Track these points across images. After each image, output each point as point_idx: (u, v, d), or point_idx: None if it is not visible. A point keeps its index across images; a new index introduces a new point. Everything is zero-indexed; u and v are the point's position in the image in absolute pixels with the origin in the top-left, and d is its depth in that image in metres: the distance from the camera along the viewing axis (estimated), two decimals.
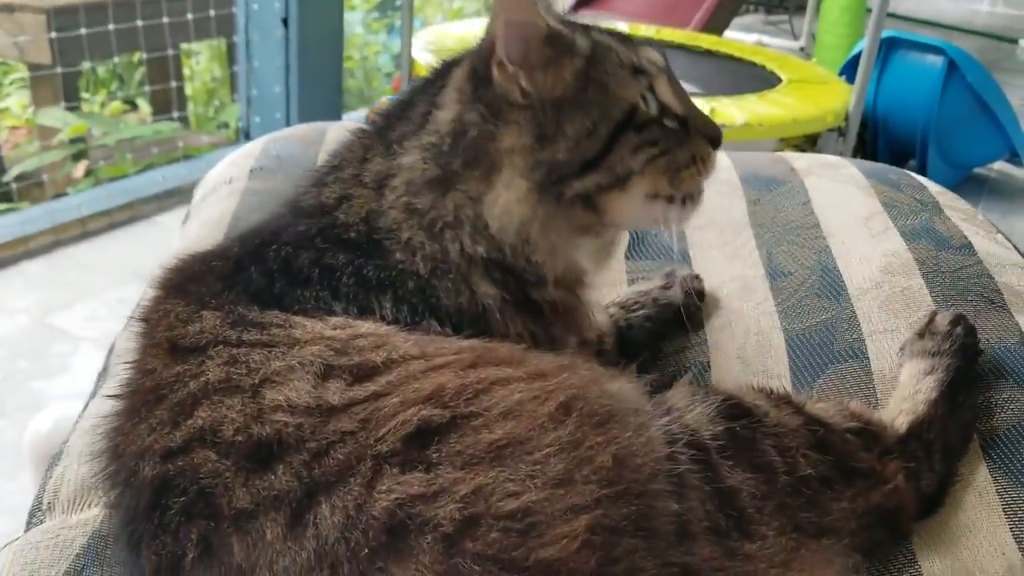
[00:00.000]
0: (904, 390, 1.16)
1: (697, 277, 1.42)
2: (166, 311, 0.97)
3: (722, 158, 1.77)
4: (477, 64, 1.07)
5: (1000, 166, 5.01)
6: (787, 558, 0.90)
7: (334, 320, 0.94)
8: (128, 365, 0.97)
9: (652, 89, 1.09)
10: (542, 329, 1.07)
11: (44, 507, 1.15)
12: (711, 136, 1.12)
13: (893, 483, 1.02)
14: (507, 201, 1.04)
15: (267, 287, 0.98)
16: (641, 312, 1.36)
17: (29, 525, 1.13)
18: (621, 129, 1.05)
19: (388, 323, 0.97)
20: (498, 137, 1.05)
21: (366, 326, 0.94)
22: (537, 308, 1.07)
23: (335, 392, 0.86)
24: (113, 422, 0.93)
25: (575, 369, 0.94)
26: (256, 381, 0.87)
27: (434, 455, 0.81)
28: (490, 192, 1.05)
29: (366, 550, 0.76)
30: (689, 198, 1.12)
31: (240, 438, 0.83)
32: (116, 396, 0.95)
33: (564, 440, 0.83)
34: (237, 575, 0.78)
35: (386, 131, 1.13)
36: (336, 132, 1.84)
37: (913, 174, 1.74)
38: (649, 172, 1.07)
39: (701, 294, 1.41)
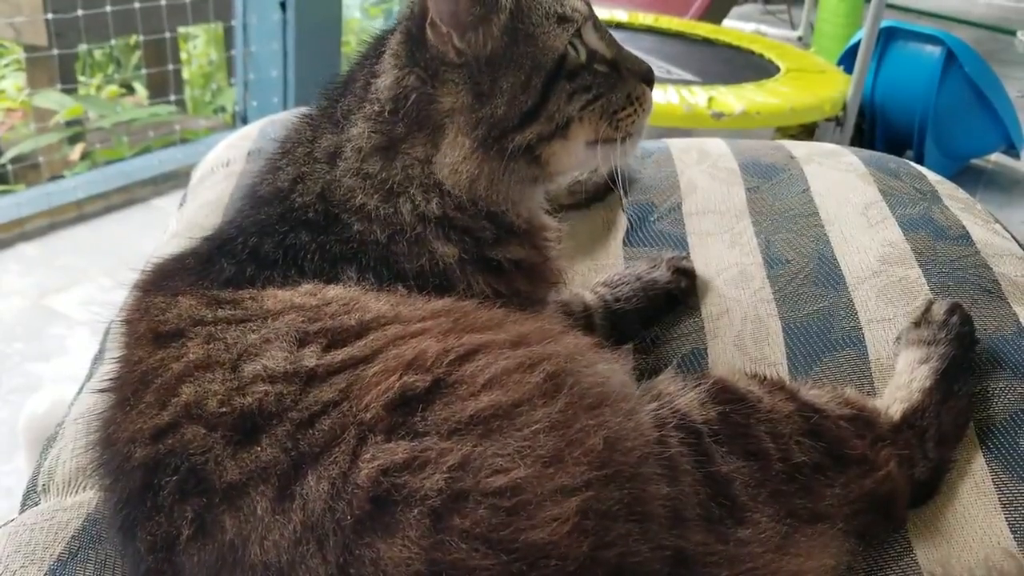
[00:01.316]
0: (900, 378, 1.16)
1: (685, 257, 1.43)
2: (146, 307, 0.99)
3: (721, 145, 1.77)
4: (411, 28, 1.09)
5: (997, 157, 5.01)
6: (781, 543, 0.91)
7: (304, 287, 0.97)
8: (115, 360, 0.98)
9: (579, 35, 1.10)
10: (506, 286, 1.09)
11: (39, 489, 1.15)
12: (643, 75, 1.14)
13: (886, 470, 1.02)
14: (454, 160, 1.06)
15: (238, 273, 1.01)
16: (626, 288, 1.36)
17: (24, 507, 1.13)
18: (553, 78, 1.07)
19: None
20: (438, 98, 1.07)
21: (335, 291, 0.97)
22: (498, 265, 1.09)
23: (311, 356, 0.87)
24: (104, 413, 0.94)
25: (558, 337, 0.96)
26: (235, 355, 0.88)
27: (419, 423, 0.82)
28: (437, 153, 1.07)
29: (351, 520, 0.76)
30: (629, 137, 1.13)
31: (224, 410, 0.84)
32: (105, 389, 0.96)
33: (554, 418, 0.83)
34: (230, 551, 0.78)
35: (331, 108, 1.15)
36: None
37: (912, 163, 1.74)
38: (587, 117, 1.09)
39: (688, 273, 1.41)
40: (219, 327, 0.91)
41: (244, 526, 0.78)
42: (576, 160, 1.12)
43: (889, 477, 1.02)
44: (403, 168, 1.07)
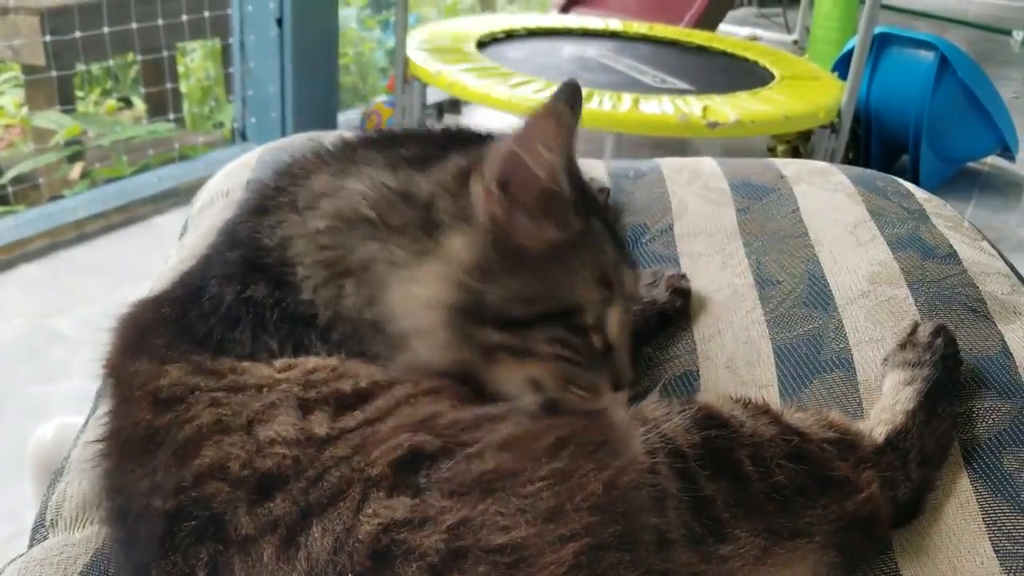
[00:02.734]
0: (884, 401, 1.18)
1: (683, 276, 1.43)
2: (134, 371, 0.97)
3: (712, 165, 1.79)
4: (468, 167, 1.02)
5: (992, 160, 5.03)
6: (760, 555, 0.93)
7: (278, 363, 0.94)
8: (111, 417, 0.98)
9: (606, 306, 1.04)
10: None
11: (47, 524, 1.16)
12: (617, 380, 1.06)
13: (868, 492, 1.04)
14: (421, 296, 0.97)
15: (207, 333, 0.98)
16: None
17: (32, 542, 1.15)
18: (553, 317, 1.00)
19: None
20: (446, 235, 0.99)
21: (313, 361, 0.94)
22: None
23: (321, 424, 0.87)
24: (110, 464, 0.95)
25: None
26: (245, 421, 0.88)
27: (423, 480, 0.82)
28: (410, 270, 0.98)
29: (351, 574, 0.78)
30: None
31: (247, 472, 0.84)
32: (106, 444, 0.97)
33: (557, 472, 0.84)
34: None
35: (355, 148, 1.11)
36: (332, 141, 1.85)
37: (901, 180, 1.76)
38: (548, 367, 1.00)
39: (685, 293, 1.41)
40: (220, 393, 0.91)
41: (251, 571, 0.80)
42: (511, 382, 1.00)
43: (871, 499, 1.04)
44: (377, 260, 0.99)
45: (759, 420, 1.04)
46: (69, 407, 2.07)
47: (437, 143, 1.10)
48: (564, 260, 1.01)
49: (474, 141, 1.10)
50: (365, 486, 0.82)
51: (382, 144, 1.10)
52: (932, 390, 1.17)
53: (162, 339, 0.99)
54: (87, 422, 1.33)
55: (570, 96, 1.03)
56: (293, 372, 0.92)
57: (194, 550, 0.83)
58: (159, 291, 1.09)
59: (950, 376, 1.21)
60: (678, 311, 1.40)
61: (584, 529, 0.81)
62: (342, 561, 0.78)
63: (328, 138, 1.19)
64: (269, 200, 1.08)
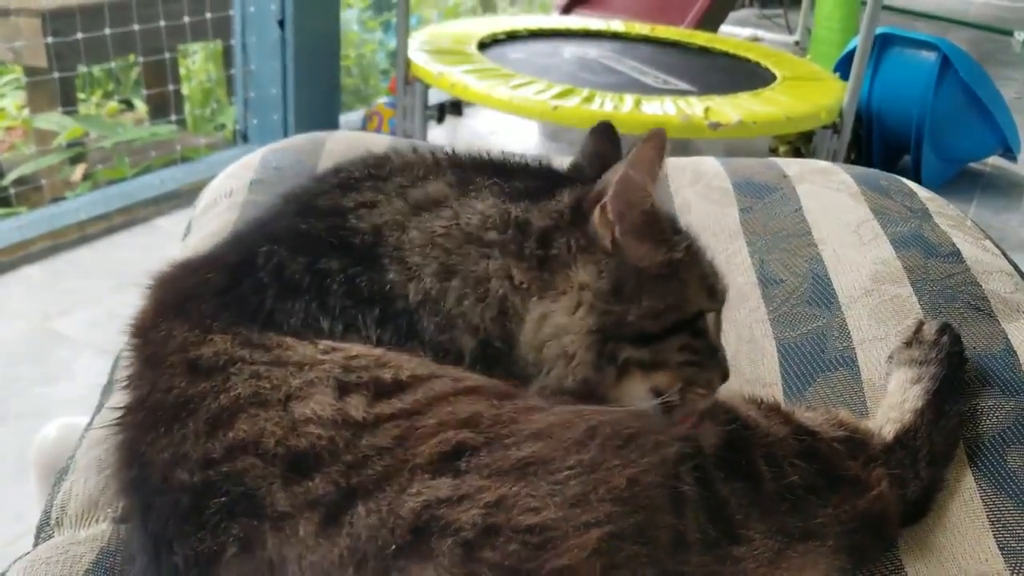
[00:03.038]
0: (892, 399, 1.19)
1: None
2: (169, 333, 0.96)
3: (715, 165, 1.79)
4: (583, 199, 1.05)
5: (994, 161, 5.03)
6: (774, 558, 0.93)
7: (322, 344, 0.95)
8: (135, 383, 0.97)
9: (711, 309, 1.10)
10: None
11: (52, 522, 1.17)
12: (725, 373, 1.11)
13: (878, 490, 1.04)
14: (561, 324, 1.01)
15: (259, 303, 0.98)
16: None
17: (38, 540, 1.15)
18: (682, 325, 1.05)
19: (373, 344, 0.96)
20: (575, 268, 1.02)
21: (357, 347, 0.94)
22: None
23: (357, 407, 0.87)
24: (131, 433, 0.94)
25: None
26: (283, 396, 0.88)
27: (463, 465, 0.83)
28: (543, 303, 1.01)
29: (392, 548, 0.79)
30: (678, 408, 1.06)
31: (280, 450, 0.85)
32: (128, 409, 0.95)
33: (585, 463, 0.85)
34: (267, 568, 0.80)
35: (469, 169, 1.11)
36: (334, 142, 1.85)
37: (903, 179, 1.76)
38: (676, 372, 1.05)
39: None
40: (262, 367, 0.91)
41: (284, 546, 0.81)
42: (635, 393, 1.04)
43: (881, 497, 1.05)
44: (493, 277, 1.01)
45: (772, 420, 1.05)
46: (71, 408, 2.07)
47: (540, 175, 1.14)
48: (679, 274, 1.06)
49: (568, 176, 1.16)
50: (411, 472, 0.83)
51: (496, 170, 1.11)
52: (940, 388, 1.17)
53: (207, 306, 0.98)
54: (91, 421, 1.33)
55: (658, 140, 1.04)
56: (336, 355, 0.93)
57: (225, 526, 0.83)
58: (204, 254, 1.09)
59: (956, 374, 1.21)
60: None
61: (607, 517, 0.82)
62: (383, 536, 0.79)
63: (421, 146, 1.19)
64: (361, 182, 1.09)
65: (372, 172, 1.11)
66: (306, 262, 0.99)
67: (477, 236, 1.02)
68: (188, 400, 0.90)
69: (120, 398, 0.98)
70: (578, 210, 1.04)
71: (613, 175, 1.02)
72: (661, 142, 1.02)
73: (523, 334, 1.01)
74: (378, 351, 0.95)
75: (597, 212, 1.03)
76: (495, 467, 0.84)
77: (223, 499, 0.83)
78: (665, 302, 1.03)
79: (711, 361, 1.08)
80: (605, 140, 1.24)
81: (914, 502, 1.09)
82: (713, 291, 1.10)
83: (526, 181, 1.10)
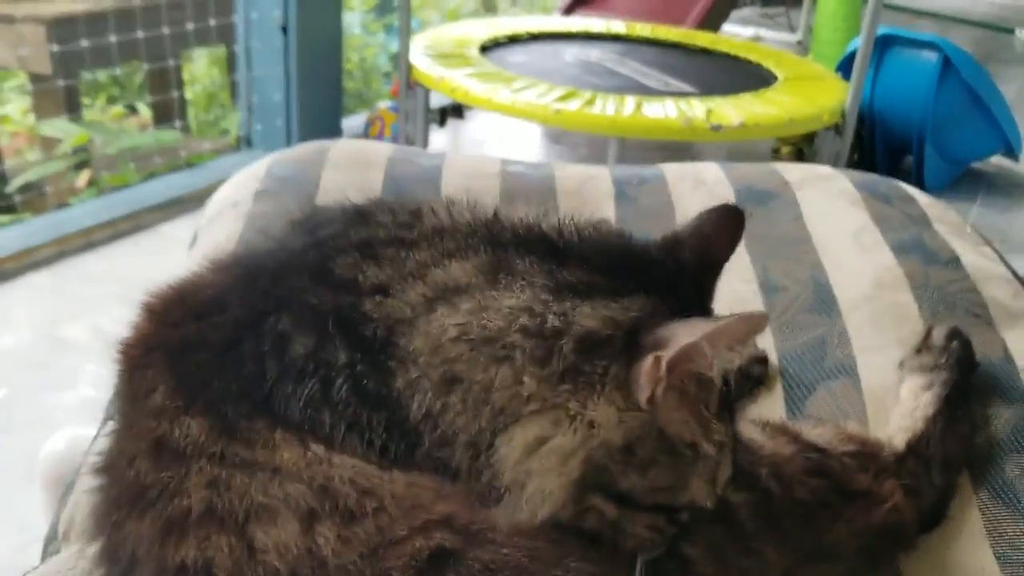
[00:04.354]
0: (903, 407, 1.19)
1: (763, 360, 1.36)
2: (153, 386, 0.88)
3: (717, 171, 1.80)
4: (642, 327, 0.86)
5: (997, 161, 5.03)
6: (783, 575, 0.93)
7: (311, 451, 0.83)
8: (111, 433, 0.90)
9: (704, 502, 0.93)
10: None
11: (59, 536, 1.18)
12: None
13: (892, 501, 1.05)
14: (552, 465, 0.83)
15: (258, 379, 0.86)
16: None
17: (45, 554, 1.16)
18: (666, 510, 0.89)
19: (376, 449, 0.85)
20: (597, 399, 0.84)
21: (341, 471, 0.83)
22: None
23: (328, 538, 0.77)
24: (100, 500, 0.88)
25: None
26: (241, 517, 0.79)
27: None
28: (544, 425, 0.84)
29: None
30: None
31: None
32: (101, 470, 0.89)
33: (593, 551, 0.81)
34: None
35: (509, 245, 0.93)
36: (337, 152, 1.86)
37: (904, 185, 1.77)
38: (631, 542, 0.90)
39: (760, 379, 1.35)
40: (225, 471, 0.82)
41: None
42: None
43: (896, 508, 1.05)
44: (500, 387, 0.84)
45: (777, 440, 1.04)
46: (78, 416, 2.08)
47: (605, 264, 0.92)
48: (695, 463, 0.88)
49: (652, 260, 0.95)
50: None
51: (546, 249, 0.93)
52: (951, 394, 1.18)
53: (198, 367, 0.88)
54: (99, 433, 1.34)
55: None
56: (320, 470, 0.82)
57: None
58: (208, 295, 0.94)
59: (966, 379, 1.22)
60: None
61: None
62: None
63: (459, 202, 1.00)
64: (385, 248, 0.94)
65: (398, 236, 0.95)
66: (312, 346, 0.87)
67: (495, 339, 0.86)
68: (147, 487, 0.82)
69: (103, 444, 0.92)
70: (633, 336, 0.86)
71: (687, 333, 0.83)
72: (756, 327, 0.89)
73: (508, 454, 0.85)
74: (367, 475, 0.83)
75: (650, 362, 0.84)
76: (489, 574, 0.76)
77: None
78: (667, 482, 0.87)
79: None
80: (725, 221, 1.01)
81: (930, 510, 1.10)
82: (712, 494, 0.91)
83: (584, 271, 0.91)
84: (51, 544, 1.17)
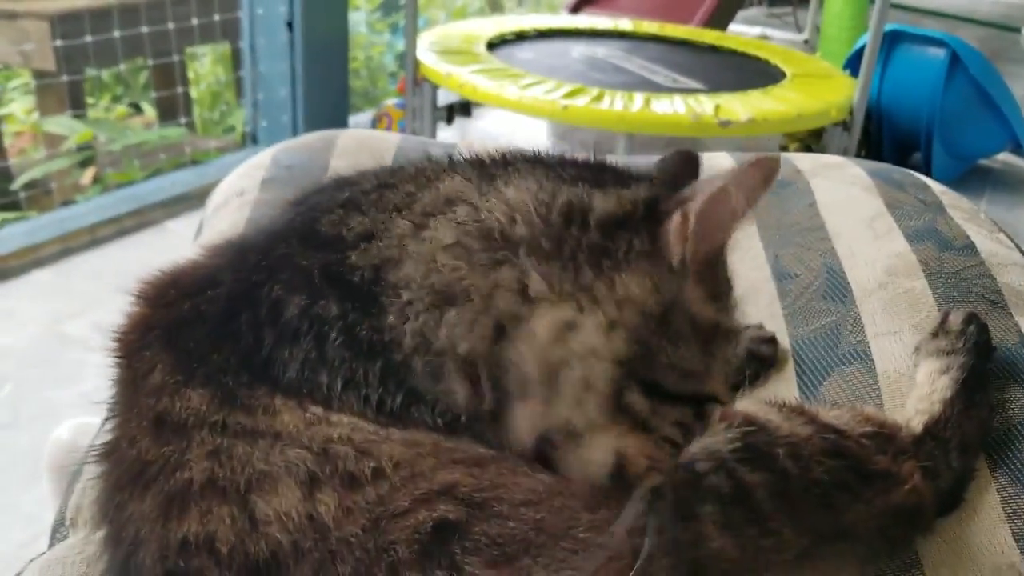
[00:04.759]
0: (920, 390, 1.17)
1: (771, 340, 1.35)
2: (152, 366, 0.88)
3: (728, 160, 1.79)
4: (660, 197, 0.89)
5: (1004, 157, 5.03)
6: (799, 557, 0.92)
7: (310, 412, 0.83)
8: (112, 420, 0.90)
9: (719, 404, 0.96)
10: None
11: (67, 523, 1.17)
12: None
13: (911, 483, 1.03)
14: (589, 345, 0.83)
15: (256, 346, 0.86)
16: None
17: (53, 540, 1.15)
18: (696, 401, 0.91)
19: (373, 405, 0.84)
20: (625, 275, 0.84)
21: (339, 429, 0.82)
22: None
23: (329, 505, 0.77)
24: (103, 486, 0.88)
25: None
26: (242, 484, 0.78)
27: (457, 553, 0.74)
28: (568, 311, 0.84)
29: None
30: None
31: (238, 557, 0.76)
32: (102, 456, 0.89)
33: (599, 520, 0.80)
34: None
35: (498, 161, 0.95)
36: (346, 140, 1.85)
37: (916, 174, 1.76)
38: (654, 445, 0.90)
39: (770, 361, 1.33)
40: (226, 440, 0.81)
41: None
42: (598, 453, 0.87)
43: (915, 489, 1.03)
44: (501, 287, 0.85)
45: (794, 421, 1.02)
46: (83, 411, 2.07)
47: (604, 169, 0.97)
48: (719, 346, 0.90)
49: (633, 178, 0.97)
50: (391, 571, 0.73)
51: (540, 159, 0.96)
52: (968, 378, 1.16)
53: (196, 343, 0.88)
54: (103, 422, 1.33)
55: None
56: (319, 431, 0.81)
57: None
58: (200, 273, 0.96)
59: (984, 363, 1.20)
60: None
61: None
62: None
63: (436, 151, 1.01)
64: (367, 196, 0.95)
65: (381, 182, 0.97)
66: (304, 305, 0.87)
67: (498, 233, 0.86)
68: (148, 464, 0.82)
69: (103, 433, 0.92)
70: (653, 208, 0.87)
71: (708, 185, 0.85)
72: (771, 171, 0.87)
73: (527, 350, 0.83)
74: (365, 434, 0.82)
75: (677, 218, 0.85)
76: (495, 550, 0.75)
77: None
78: (695, 364, 0.88)
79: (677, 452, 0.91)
80: (685, 166, 1.05)
81: (948, 492, 1.09)
82: (729, 393, 0.94)
83: (587, 170, 0.94)
84: (58, 530, 1.16)
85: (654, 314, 0.84)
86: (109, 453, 0.88)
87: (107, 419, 0.92)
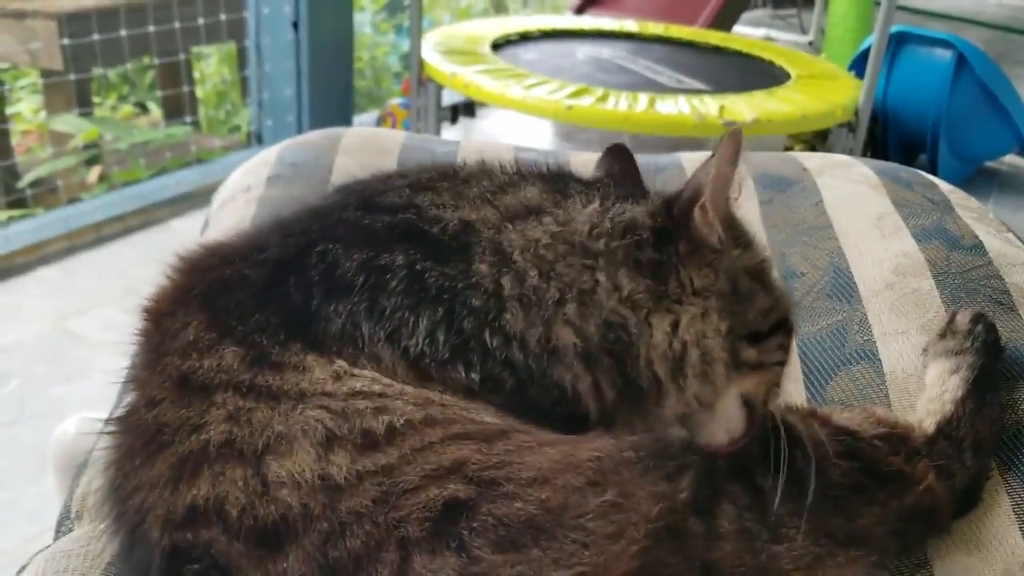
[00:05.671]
0: (930, 391, 1.17)
1: None
2: (184, 325, 0.88)
3: None
4: (671, 202, 0.98)
5: (1011, 159, 5.02)
6: (813, 563, 0.92)
7: (336, 365, 0.85)
8: (131, 385, 0.90)
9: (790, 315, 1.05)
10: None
11: (72, 515, 1.17)
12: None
13: (925, 483, 1.03)
14: (699, 330, 0.93)
15: (304, 305, 0.88)
16: None
17: (58, 533, 1.15)
18: (781, 324, 1.00)
19: (410, 358, 0.87)
20: (686, 274, 0.95)
21: (361, 380, 0.85)
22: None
23: (340, 467, 0.78)
24: (114, 458, 0.87)
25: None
26: (259, 448, 0.79)
27: (464, 533, 0.75)
28: (667, 313, 0.93)
29: None
30: (756, 410, 0.99)
31: (247, 521, 0.76)
32: (118, 422, 0.88)
33: (608, 503, 0.80)
34: None
35: (549, 177, 1.03)
36: (351, 138, 1.85)
37: (924, 173, 1.75)
38: (767, 374, 0.99)
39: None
40: (248, 401, 0.82)
41: None
42: (727, 406, 0.97)
43: (929, 489, 1.03)
44: (601, 289, 0.93)
45: (809, 424, 1.03)
46: (88, 408, 2.07)
47: (598, 183, 1.05)
48: (765, 276, 1.02)
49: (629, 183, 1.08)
50: (401, 547, 0.74)
51: (575, 179, 1.04)
52: (978, 377, 1.16)
53: (237, 306, 0.89)
54: (112, 410, 1.33)
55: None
56: (342, 385, 0.83)
57: None
58: (243, 244, 0.97)
59: (993, 363, 1.20)
60: None
61: (644, 536, 0.79)
62: None
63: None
64: (436, 183, 1.00)
65: (444, 174, 1.02)
66: (364, 259, 0.90)
67: (583, 245, 0.94)
68: (163, 426, 0.82)
69: (123, 400, 0.91)
70: (671, 213, 0.97)
71: (705, 175, 0.94)
72: (739, 139, 0.95)
73: (651, 347, 0.93)
74: (382, 386, 0.85)
75: (698, 213, 0.95)
76: (503, 531, 0.76)
77: (196, 567, 0.76)
78: (768, 301, 0.99)
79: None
80: (623, 160, 1.15)
81: (963, 492, 1.08)
82: (789, 299, 1.04)
83: (594, 185, 1.03)
84: (64, 524, 1.16)
85: (727, 289, 0.96)
86: (125, 418, 0.88)
87: (125, 386, 0.92)
